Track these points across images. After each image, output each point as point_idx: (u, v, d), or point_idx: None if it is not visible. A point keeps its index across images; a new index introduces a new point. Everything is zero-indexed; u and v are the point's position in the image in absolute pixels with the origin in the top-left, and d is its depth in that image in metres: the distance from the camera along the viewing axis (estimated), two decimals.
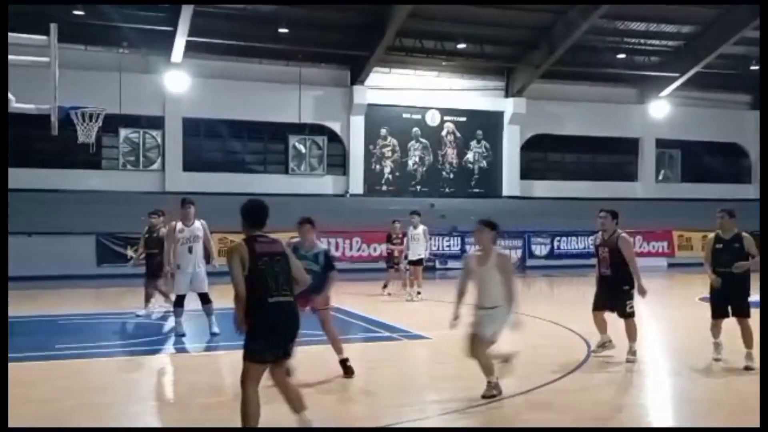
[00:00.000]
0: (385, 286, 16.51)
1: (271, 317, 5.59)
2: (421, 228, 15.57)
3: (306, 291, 7.77)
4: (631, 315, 9.03)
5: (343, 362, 8.16)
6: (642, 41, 29.39)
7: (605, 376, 8.52)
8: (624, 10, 26.01)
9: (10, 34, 10.45)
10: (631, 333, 9.04)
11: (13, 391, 7.48)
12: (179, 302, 11.01)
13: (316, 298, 7.93)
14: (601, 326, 9.30)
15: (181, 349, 10.36)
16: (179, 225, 10.99)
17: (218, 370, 9.06)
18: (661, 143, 32.20)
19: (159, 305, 13.15)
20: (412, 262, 15.72)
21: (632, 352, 9.02)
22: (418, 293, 15.57)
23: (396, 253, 16.56)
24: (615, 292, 9.04)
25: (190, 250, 10.89)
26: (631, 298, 9.01)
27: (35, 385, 7.88)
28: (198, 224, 11.06)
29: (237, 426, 5.63)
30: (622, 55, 29.62)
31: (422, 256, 15.69)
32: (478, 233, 7.52)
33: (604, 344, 9.28)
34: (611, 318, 9.26)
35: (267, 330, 5.58)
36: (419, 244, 15.57)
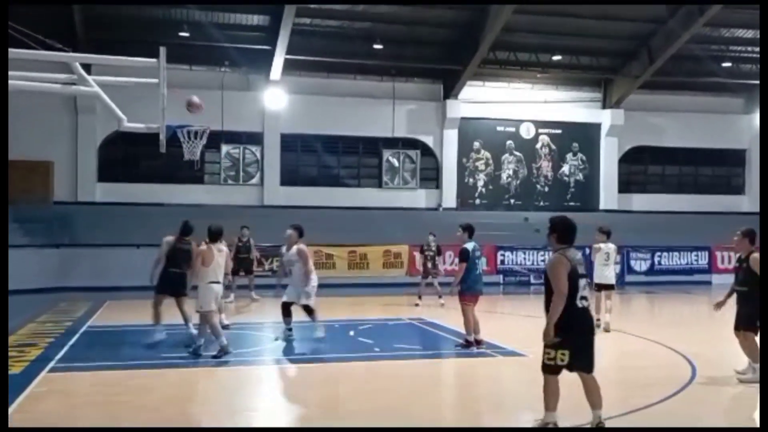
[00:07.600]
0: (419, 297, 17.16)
1: None
2: (610, 246, 13.20)
3: None
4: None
5: None
6: (749, 49, 28.13)
7: (709, 397, 8.16)
8: (729, 17, 25.00)
9: (124, 57, 11.08)
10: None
11: (122, 397, 7.88)
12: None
13: None
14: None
15: (287, 360, 10.54)
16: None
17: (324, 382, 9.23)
18: None
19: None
20: (600, 287, 12.89)
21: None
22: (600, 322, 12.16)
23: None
24: None
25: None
26: None
27: (143, 393, 8.24)
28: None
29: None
30: (727, 64, 28.44)
31: (612, 281, 13.09)
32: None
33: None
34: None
35: None
36: (608, 265, 13.01)
